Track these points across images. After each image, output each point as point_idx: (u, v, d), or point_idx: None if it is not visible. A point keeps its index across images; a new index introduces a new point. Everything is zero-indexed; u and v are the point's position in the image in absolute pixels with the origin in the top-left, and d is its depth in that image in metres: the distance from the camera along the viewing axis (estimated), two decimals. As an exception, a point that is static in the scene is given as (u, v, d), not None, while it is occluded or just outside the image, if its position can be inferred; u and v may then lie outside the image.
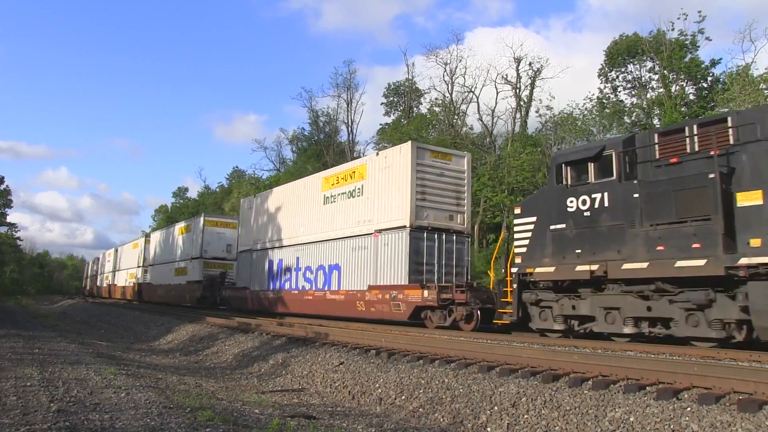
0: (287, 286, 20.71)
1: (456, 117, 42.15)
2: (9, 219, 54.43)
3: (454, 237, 15.99)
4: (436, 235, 15.59)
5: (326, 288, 18.33)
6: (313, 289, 19.02)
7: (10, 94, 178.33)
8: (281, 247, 21.48)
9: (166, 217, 76.07)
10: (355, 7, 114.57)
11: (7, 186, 49.42)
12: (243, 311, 23.65)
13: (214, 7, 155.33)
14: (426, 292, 14.23)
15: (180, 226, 33.84)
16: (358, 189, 17.53)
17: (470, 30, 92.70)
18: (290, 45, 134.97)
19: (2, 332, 16.48)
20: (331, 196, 18.96)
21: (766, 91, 25.16)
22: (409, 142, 16.16)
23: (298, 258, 20.35)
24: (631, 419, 5.64)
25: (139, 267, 39.98)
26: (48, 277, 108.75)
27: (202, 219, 30.35)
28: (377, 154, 17.45)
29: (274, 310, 21.24)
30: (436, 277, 15.41)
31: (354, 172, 18.07)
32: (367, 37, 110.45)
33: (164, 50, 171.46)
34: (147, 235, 42.53)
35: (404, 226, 15.28)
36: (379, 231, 16.16)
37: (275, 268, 21.77)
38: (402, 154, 15.96)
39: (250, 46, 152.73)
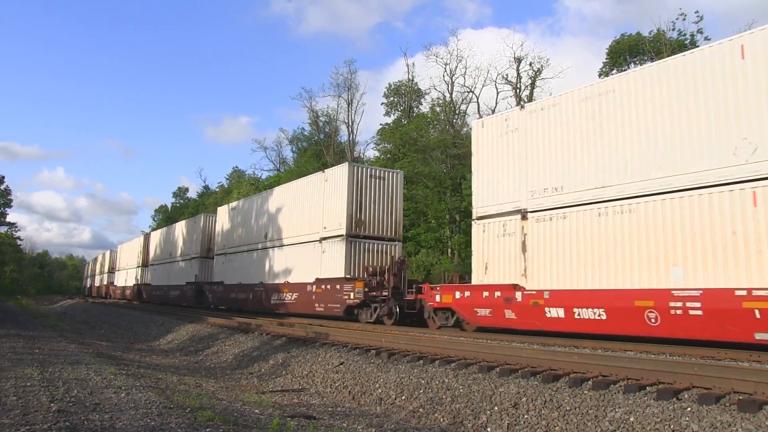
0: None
1: (456, 116, 42.13)
2: (8, 219, 54.31)
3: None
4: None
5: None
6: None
7: (3, 93, 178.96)
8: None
9: (165, 217, 76.07)
10: (336, 14, 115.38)
11: (7, 186, 49.28)
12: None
13: (204, 10, 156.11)
14: None
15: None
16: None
17: (453, 34, 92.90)
18: (277, 49, 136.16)
19: (2, 332, 16.49)
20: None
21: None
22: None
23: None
24: (631, 419, 5.63)
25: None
26: (48, 277, 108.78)
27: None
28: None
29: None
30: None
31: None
32: (347, 43, 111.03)
33: (153, 53, 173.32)
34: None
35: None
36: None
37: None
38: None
39: (239, 50, 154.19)
